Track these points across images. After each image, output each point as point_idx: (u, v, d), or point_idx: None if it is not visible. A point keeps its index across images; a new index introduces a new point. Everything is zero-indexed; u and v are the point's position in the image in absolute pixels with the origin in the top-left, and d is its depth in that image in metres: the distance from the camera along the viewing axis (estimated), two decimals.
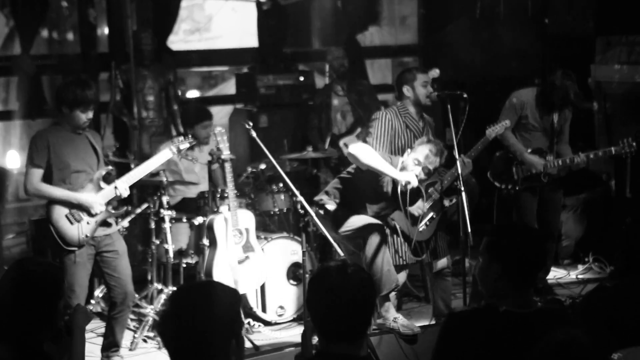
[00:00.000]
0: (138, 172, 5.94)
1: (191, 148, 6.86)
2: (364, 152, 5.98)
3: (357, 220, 6.08)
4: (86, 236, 5.69)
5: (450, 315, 3.70)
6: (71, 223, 5.68)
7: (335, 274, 3.05)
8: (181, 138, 6.28)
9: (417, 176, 5.95)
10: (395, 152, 6.25)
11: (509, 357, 3.38)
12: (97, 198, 5.71)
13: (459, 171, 5.98)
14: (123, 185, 5.79)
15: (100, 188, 5.77)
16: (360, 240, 5.93)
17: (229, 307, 2.81)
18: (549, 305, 3.69)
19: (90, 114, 5.69)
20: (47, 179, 5.67)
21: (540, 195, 7.17)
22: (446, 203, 6.32)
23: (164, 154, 6.10)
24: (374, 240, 5.89)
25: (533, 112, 7.04)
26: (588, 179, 8.40)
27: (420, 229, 6.21)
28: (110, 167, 5.95)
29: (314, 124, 8.48)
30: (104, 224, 5.83)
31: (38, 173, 5.64)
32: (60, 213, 5.68)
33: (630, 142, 6.96)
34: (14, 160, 8.27)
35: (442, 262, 6.35)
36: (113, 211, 5.86)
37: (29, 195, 5.85)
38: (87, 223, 5.72)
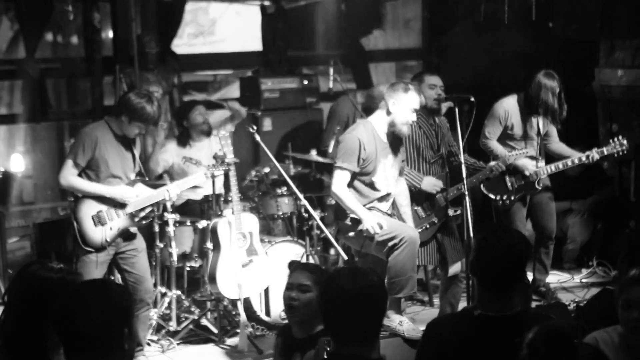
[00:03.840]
0: (185, 182, 6.20)
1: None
2: (345, 196, 5.88)
3: (390, 222, 5.98)
4: (106, 241, 5.73)
5: (429, 323, 3.75)
6: (95, 225, 5.71)
7: (346, 275, 3.11)
8: (217, 163, 6.35)
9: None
10: (409, 154, 6.24)
11: (483, 358, 3.40)
12: (130, 190, 5.77)
13: (464, 175, 5.98)
14: (174, 191, 5.90)
15: None
16: (395, 242, 5.84)
17: (119, 299, 2.89)
18: (530, 310, 3.71)
19: (144, 131, 5.86)
20: (85, 176, 5.73)
21: (530, 200, 7.12)
22: (450, 212, 6.29)
23: (198, 177, 6.29)
24: (409, 242, 5.82)
25: (518, 120, 6.96)
26: (594, 182, 8.39)
27: (419, 230, 6.19)
28: (145, 178, 6.05)
29: (334, 131, 8.27)
30: (126, 234, 5.86)
31: (75, 170, 5.72)
32: (86, 212, 5.72)
33: (621, 140, 6.92)
34: (18, 163, 8.28)
35: (456, 268, 6.31)
36: (136, 220, 5.91)
37: (61, 186, 5.93)
38: (110, 229, 5.76)
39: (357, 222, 5.88)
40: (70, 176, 5.72)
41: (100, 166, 5.74)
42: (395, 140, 6.00)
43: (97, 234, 5.73)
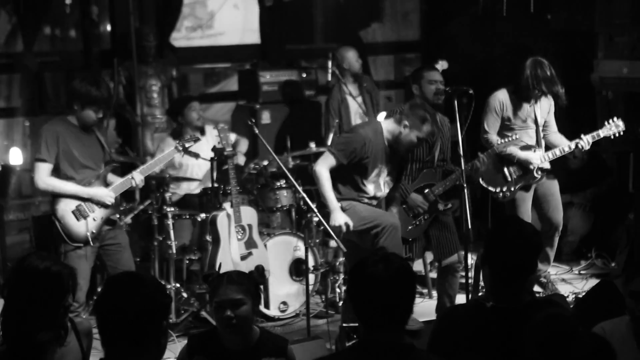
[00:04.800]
0: (150, 166, 6.07)
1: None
2: (324, 179, 5.88)
3: (370, 211, 5.99)
4: (92, 233, 5.72)
5: (441, 314, 3.75)
6: (77, 219, 5.71)
7: (376, 263, 3.08)
8: (187, 137, 6.35)
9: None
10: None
11: (495, 350, 3.41)
12: (107, 191, 5.76)
13: (462, 167, 5.98)
14: (139, 177, 5.88)
15: (106, 184, 5.83)
16: (377, 230, 5.85)
17: (157, 293, 2.90)
18: (539, 299, 3.72)
19: (101, 114, 5.78)
20: (55, 172, 5.71)
21: (535, 191, 7.09)
22: (440, 207, 6.27)
23: (170, 153, 6.22)
24: (392, 229, 5.81)
25: (513, 110, 6.94)
26: (595, 174, 8.39)
27: (409, 228, 6.18)
28: (116, 164, 6.03)
29: (333, 125, 8.25)
30: (108, 221, 5.87)
31: (47, 168, 5.70)
32: (65, 209, 5.71)
33: (616, 121, 6.89)
34: (17, 157, 8.28)
35: (452, 258, 6.30)
36: (120, 208, 5.93)
37: (39, 189, 5.90)
38: (94, 220, 5.76)
39: (342, 209, 5.89)
40: (46, 177, 5.70)
41: (69, 159, 5.73)
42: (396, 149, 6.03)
43: (82, 227, 5.73)
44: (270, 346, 4.01)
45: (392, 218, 5.88)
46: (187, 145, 6.27)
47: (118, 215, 6.04)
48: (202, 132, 7.40)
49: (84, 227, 5.73)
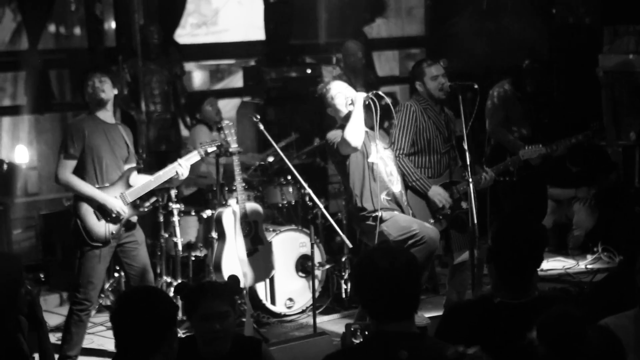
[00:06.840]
0: (190, 158, 6.04)
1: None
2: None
3: (409, 221, 5.95)
4: (112, 233, 5.72)
5: (447, 309, 3.75)
6: (98, 219, 5.70)
7: (381, 257, 3.11)
8: (208, 141, 6.32)
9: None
10: (419, 145, 6.17)
11: (502, 345, 3.41)
12: (120, 204, 5.72)
13: (467, 162, 5.96)
14: (186, 165, 5.89)
15: (129, 185, 5.80)
16: (414, 240, 5.79)
17: (170, 304, 3.28)
18: (545, 294, 3.72)
19: (105, 86, 5.77)
20: (80, 168, 5.69)
21: (524, 185, 7.12)
22: (463, 205, 6.26)
23: (193, 156, 6.10)
24: (429, 242, 5.78)
25: (513, 104, 6.98)
26: (599, 169, 8.39)
27: (431, 222, 6.17)
28: (140, 165, 6.01)
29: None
30: (128, 226, 5.85)
31: (71, 164, 5.68)
32: (88, 208, 5.70)
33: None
34: (23, 154, 8.30)
35: (464, 256, 6.28)
36: (140, 209, 5.92)
37: (58, 184, 5.89)
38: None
39: (378, 220, 5.83)
40: (67, 172, 5.67)
41: (95, 155, 5.71)
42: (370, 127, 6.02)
43: (101, 227, 5.72)
44: (244, 350, 3.98)
45: (432, 232, 5.85)
46: (209, 150, 6.23)
47: (136, 217, 6.00)
48: (220, 128, 7.40)
49: (104, 227, 5.72)
